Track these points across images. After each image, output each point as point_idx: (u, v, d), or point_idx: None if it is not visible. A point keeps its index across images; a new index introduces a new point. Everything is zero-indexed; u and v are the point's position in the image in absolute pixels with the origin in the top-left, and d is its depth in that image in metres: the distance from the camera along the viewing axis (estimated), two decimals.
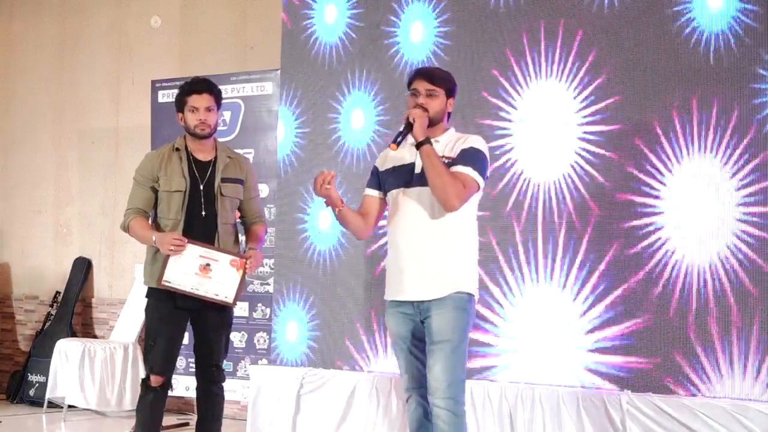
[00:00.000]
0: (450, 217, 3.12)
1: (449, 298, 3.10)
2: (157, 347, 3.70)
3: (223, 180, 3.75)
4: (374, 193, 3.36)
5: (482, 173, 3.15)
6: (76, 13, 7.07)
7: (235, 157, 3.87)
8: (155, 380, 3.70)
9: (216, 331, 3.77)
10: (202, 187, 3.72)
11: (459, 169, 3.10)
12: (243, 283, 3.72)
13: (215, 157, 3.79)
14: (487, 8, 4.34)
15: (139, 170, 3.79)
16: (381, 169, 3.35)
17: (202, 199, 3.71)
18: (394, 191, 3.25)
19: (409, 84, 3.26)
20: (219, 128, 5.62)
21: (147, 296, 3.78)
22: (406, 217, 3.19)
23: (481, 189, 3.18)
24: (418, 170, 3.16)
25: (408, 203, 3.18)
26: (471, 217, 3.23)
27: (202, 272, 3.62)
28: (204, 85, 3.77)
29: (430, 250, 3.13)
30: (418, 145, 3.07)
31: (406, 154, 3.22)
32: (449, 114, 3.31)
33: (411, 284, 3.15)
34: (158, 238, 3.62)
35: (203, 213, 3.71)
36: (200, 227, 3.69)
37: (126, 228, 3.76)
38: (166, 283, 3.62)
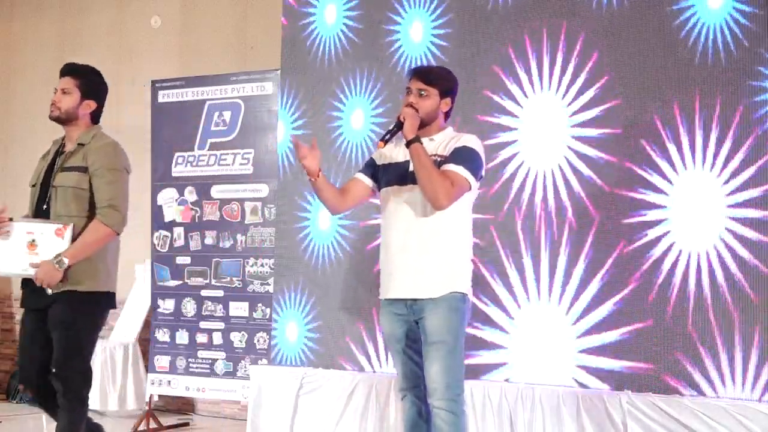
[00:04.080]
0: (442, 216, 3.12)
1: (443, 299, 3.10)
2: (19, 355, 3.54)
3: (63, 169, 3.49)
4: (364, 179, 3.36)
5: (475, 172, 3.14)
6: (76, 13, 7.08)
7: (87, 144, 3.53)
8: (30, 391, 3.52)
9: (54, 330, 3.40)
10: (52, 181, 3.52)
11: (450, 167, 3.10)
12: None
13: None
14: (487, 7, 4.34)
15: None
16: (378, 163, 3.37)
17: (48, 193, 3.52)
18: (387, 189, 3.27)
19: (409, 81, 3.27)
20: (219, 128, 5.72)
21: None
22: (398, 215, 3.20)
23: (473, 188, 3.18)
24: (412, 168, 3.15)
25: (401, 201, 3.20)
26: (464, 216, 3.23)
27: (30, 249, 3.41)
28: (66, 68, 3.58)
29: (422, 248, 3.13)
30: (408, 144, 3.09)
31: (401, 152, 3.25)
32: (447, 113, 3.31)
33: (403, 282, 3.16)
34: None
35: (44, 207, 3.52)
36: None
37: None
38: None
